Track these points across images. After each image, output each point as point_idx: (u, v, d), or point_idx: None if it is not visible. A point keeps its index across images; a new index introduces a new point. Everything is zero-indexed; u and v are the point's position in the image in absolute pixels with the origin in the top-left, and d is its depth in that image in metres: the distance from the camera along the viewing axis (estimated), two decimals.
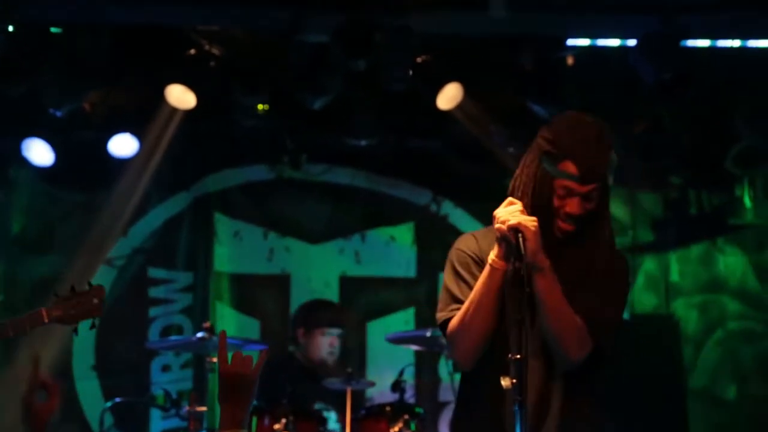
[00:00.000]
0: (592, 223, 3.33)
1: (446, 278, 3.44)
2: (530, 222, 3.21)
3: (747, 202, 8.00)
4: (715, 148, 7.68)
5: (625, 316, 7.65)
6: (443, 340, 5.92)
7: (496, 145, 7.60)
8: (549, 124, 3.42)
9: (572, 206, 3.28)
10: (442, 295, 3.43)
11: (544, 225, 3.26)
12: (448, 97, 7.15)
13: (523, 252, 3.17)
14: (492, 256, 3.29)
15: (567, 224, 3.31)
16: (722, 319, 7.99)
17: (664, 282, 8.04)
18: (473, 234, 3.51)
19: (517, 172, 3.41)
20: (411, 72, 6.91)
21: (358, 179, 8.25)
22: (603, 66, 7.13)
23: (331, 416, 6.45)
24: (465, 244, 3.47)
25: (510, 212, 3.25)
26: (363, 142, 7.64)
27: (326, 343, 6.98)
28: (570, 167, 3.26)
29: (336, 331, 7.05)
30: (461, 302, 3.34)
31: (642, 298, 8.02)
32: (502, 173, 7.06)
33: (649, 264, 8.09)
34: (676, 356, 7.77)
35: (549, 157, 3.29)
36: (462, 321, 3.30)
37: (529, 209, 3.29)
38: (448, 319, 3.36)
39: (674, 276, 8.06)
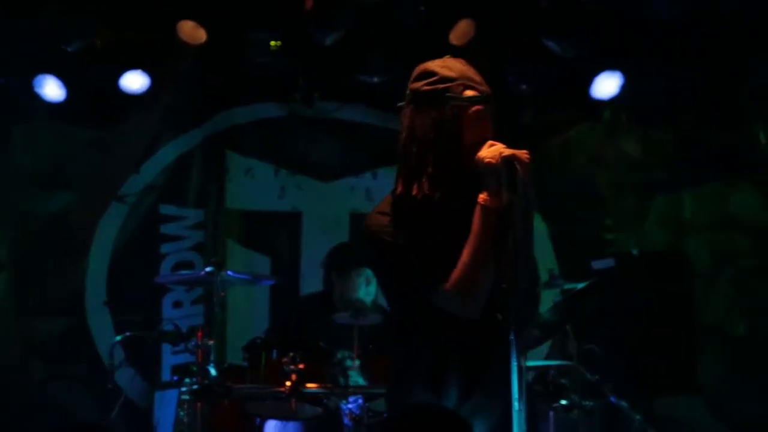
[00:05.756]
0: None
1: (394, 256, 3.31)
2: (523, 153, 3.20)
3: (762, 138, 7.90)
4: (729, 85, 7.59)
5: (634, 252, 7.67)
6: None
7: (509, 83, 7.54)
8: (416, 77, 3.41)
9: (487, 131, 3.34)
10: (402, 272, 3.29)
11: (462, 165, 3.29)
12: (461, 33, 7.08)
13: (519, 183, 3.13)
14: (482, 197, 3.26)
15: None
16: (734, 256, 7.94)
17: (676, 219, 8.00)
18: (376, 212, 3.42)
19: (405, 134, 3.38)
20: (423, 7, 6.85)
21: (370, 116, 8.17)
22: (616, 3, 7.04)
23: (343, 352, 6.44)
24: (379, 221, 3.37)
25: (498, 149, 3.24)
26: (375, 79, 7.58)
27: (363, 283, 6.93)
28: (471, 92, 3.34)
29: (370, 271, 6.99)
30: (433, 263, 3.26)
31: (653, 236, 7.97)
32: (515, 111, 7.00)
33: (661, 202, 8.03)
34: (686, 292, 7.76)
35: (449, 92, 3.32)
36: (467, 271, 3.24)
37: (440, 157, 3.30)
38: (439, 280, 3.25)
39: (687, 213, 8.01)
